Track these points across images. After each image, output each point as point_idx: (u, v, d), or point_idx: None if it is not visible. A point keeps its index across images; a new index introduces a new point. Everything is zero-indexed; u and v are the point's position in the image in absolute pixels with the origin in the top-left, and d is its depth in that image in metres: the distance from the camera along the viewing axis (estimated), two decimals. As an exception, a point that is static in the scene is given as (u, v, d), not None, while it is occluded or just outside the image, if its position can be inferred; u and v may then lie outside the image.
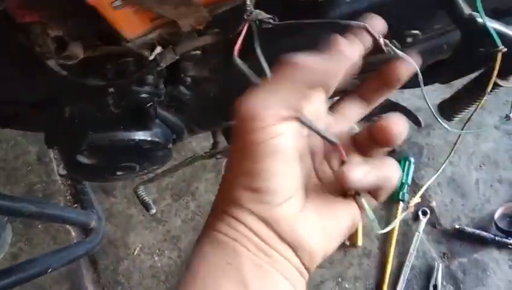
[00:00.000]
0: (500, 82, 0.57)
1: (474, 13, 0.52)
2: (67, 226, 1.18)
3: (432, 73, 0.67)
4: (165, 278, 1.19)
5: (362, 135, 0.37)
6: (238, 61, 0.39)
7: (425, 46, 0.64)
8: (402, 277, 1.17)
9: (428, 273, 1.18)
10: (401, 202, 1.23)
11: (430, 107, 0.49)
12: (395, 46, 0.36)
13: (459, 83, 0.66)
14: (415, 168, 1.27)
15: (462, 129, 0.61)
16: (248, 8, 0.41)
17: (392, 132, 0.34)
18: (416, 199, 1.22)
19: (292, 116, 0.32)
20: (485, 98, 0.63)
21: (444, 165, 0.70)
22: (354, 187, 0.34)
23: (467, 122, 0.61)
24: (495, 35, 0.46)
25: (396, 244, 1.20)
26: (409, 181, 1.26)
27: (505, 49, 0.46)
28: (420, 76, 0.39)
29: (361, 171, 0.32)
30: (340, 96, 0.42)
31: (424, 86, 0.46)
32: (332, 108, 0.40)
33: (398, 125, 0.34)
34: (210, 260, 0.32)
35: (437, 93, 1.16)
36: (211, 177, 1.29)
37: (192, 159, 0.77)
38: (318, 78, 0.33)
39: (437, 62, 0.67)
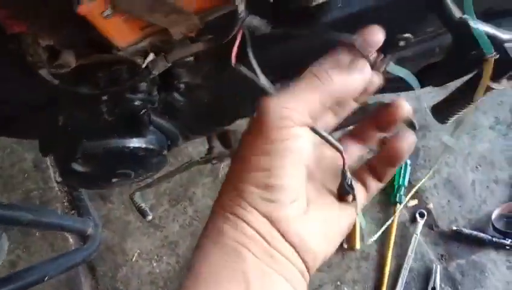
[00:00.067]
0: (492, 85, 0.57)
1: (465, 16, 0.52)
2: (65, 233, 1.18)
3: (425, 76, 0.67)
4: (164, 284, 1.19)
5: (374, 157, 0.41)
6: (242, 68, 0.40)
7: (417, 49, 0.65)
8: (400, 280, 1.17)
9: (426, 275, 1.18)
10: (397, 204, 1.23)
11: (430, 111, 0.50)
12: (388, 63, 0.38)
13: (454, 85, 0.66)
14: (411, 170, 1.27)
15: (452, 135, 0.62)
16: (241, 15, 0.42)
17: (404, 150, 0.39)
18: (410, 200, 1.22)
19: (310, 123, 0.34)
20: (478, 101, 0.63)
21: (431, 171, 0.70)
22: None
23: (456, 130, 0.62)
24: (485, 43, 0.47)
25: (394, 247, 1.20)
26: (406, 183, 1.26)
27: (497, 56, 0.47)
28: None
29: None
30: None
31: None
32: None
33: (408, 143, 0.39)
34: (212, 261, 0.33)
35: (432, 94, 1.16)
36: (207, 181, 1.29)
37: (188, 165, 0.77)
38: (341, 93, 0.36)
39: (430, 65, 0.67)
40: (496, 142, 1.31)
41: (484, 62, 0.48)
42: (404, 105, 0.39)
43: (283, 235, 0.33)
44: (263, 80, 0.47)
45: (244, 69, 0.37)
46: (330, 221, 0.37)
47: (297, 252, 0.34)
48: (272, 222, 0.33)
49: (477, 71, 0.60)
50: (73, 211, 1.23)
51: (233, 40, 0.45)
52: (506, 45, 0.54)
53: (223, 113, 0.66)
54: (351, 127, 0.47)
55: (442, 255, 1.20)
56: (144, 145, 0.63)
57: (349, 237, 1.21)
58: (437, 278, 1.16)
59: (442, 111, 0.66)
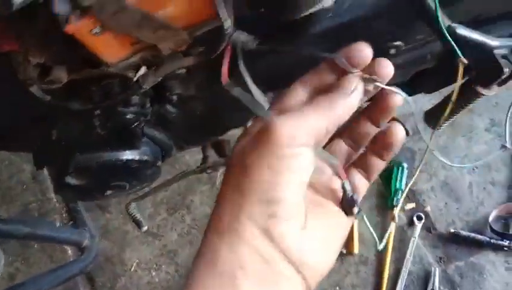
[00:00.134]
0: (482, 91, 0.57)
1: (454, 24, 0.53)
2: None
3: (417, 83, 0.68)
4: (163, 293, 1.19)
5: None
6: (235, 90, 0.40)
7: (408, 56, 0.65)
8: (399, 283, 1.17)
9: (425, 278, 1.18)
10: (395, 208, 1.23)
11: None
12: (374, 81, 0.38)
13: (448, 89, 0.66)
14: (408, 174, 1.27)
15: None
16: (227, 31, 0.42)
17: (394, 140, 0.39)
18: (407, 203, 1.22)
19: (314, 145, 0.35)
20: (469, 106, 0.64)
21: (418, 172, 0.70)
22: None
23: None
24: (454, 47, 0.47)
25: (393, 251, 1.20)
26: (403, 187, 1.26)
27: (466, 62, 0.48)
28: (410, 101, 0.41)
29: None
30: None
31: (409, 96, 0.47)
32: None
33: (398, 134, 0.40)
34: (207, 285, 0.32)
35: (428, 98, 1.17)
36: (205, 189, 1.29)
37: (183, 175, 0.78)
38: (344, 119, 0.37)
39: (421, 72, 0.67)
40: (492, 144, 1.31)
41: (455, 66, 0.49)
42: (396, 93, 0.39)
43: (282, 253, 0.33)
44: (256, 92, 0.48)
45: (235, 91, 0.37)
46: (329, 234, 0.37)
47: (297, 270, 0.34)
48: (270, 238, 0.33)
49: (468, 78, 0.60)
50: (71, 222, 1.23)
51: (223, 54, 0.46)
52: (496, 51, 0.55)
53: (217, 123, 0.66)
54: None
55: (440, 258, 1.20)
56: (137, 157, 0.63)
57: (348, 242, 1.21)
58: (436, 281, 1.16)
59: (434, 117, 0.66)
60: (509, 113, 0.59)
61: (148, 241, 1.24)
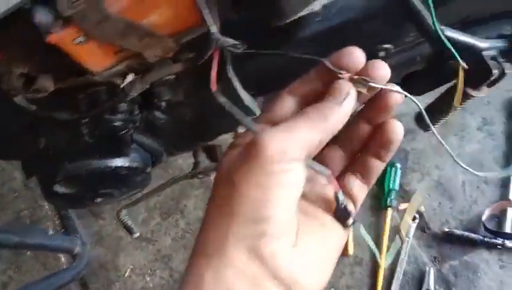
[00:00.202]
0: (472, 92, 0.57)
1: (442, 27, 0.52)
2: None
3: (407, 85, 0.67)
4: (157, 299, 1.18)
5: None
6: (222, 99, 0.38)
7: (398, 59, 0.65)
8: (395, 284, 1.17)
9: (420, 278, 1.18)
10: (389, 208, 1.23)
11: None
12: (367, 82, 0.35)
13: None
14: (401, 174, 1.27)
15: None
16: (214, 36, 0.41)
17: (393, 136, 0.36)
18: (401, 203, 1.22)
19: (306, 159, 0.33)
20: (459, 108, 0.64)
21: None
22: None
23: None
24: (454, 52, 0.47)
25: (387, 252, 1.20)
26: (397, 187, 1.26)
27: (466, 67, 0.47)
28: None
29: None
30: None
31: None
32: None
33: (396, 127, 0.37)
34: None
35: (422, 97, 1.17)
36: (199, 193, 1.29)
37: (174, 181, 0.77)
38: (337, 129, 0.34)
39: (411, 74, 0.67)
40: (484, 143, 1.32)
41: (455, 71, 0.48)
42: (394, 92, 0.36)
43: (273, 274, 0.31)
44: (245, 97, 0.47)
45: (222, 100, 0.37)
46: (322, 248, 0.35)
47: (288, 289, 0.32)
48: (260, 259, 0.31)
49: (457, 80, 0.60)
50: (64, 229, 1.22)
51: (211, 61, 0.45)
52: (484, 53, 0.55)
53: (206, 129, 0.66)
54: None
55: (435, 258, 1.20)
56: (126, 164, 0.63)
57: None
58: (431, 281, 1.16)
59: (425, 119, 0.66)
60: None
61: (142, 247, 1.23)
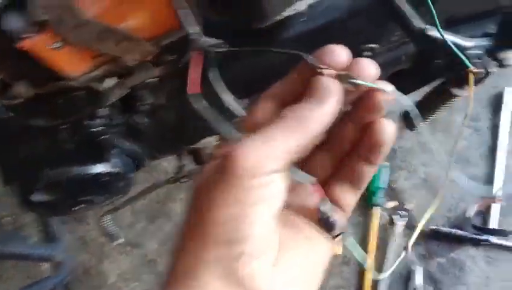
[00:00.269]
0: (457, 92, 0.57)
1: (427, 26, 0.52)
2: (39, 258, 1.14)
3: (393, 84, 0.67)
4: (144, 304, 1.16)
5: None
6: (198, 104, 0.36)
7: (384, 58, 0.64)
8: (382, 283, 1.17)
9: (408, 276, 1.18)
10: (377, 207, 1.23)
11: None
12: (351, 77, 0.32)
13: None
14: (389, 172, 1.27)
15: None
16: (192, 37, 0.40)
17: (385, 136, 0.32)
18: (389, 202, 1.22)
19: (285, 169, 0.30)
20: (445, 107, 0.63)
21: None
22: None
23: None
24: (465, 59, 0.46)
25: (375, 250, 1.20)
26: (384, 185, 1.26)
27: (476, 71, 0.46)
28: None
29: None
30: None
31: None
32: None
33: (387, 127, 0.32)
34: None
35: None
36: (185, 196, 1.27)
37: (156, 186, 0.75)
38: (319, 130, 0.31)
39: (397, 73, 0.67)
40: (470, 139, 1.32)
41: (465, 76, 0.47)
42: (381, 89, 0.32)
43: None
44: (229, 100, 0.46)
45: (199, 105, 0.35)
46: (307, 263, 0.32)
47: None
48: (237, 283, 0.28)
49: (443, 79, 0.60)
50: (46, 236, 1.20)
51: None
52: (469, 52, 0.54)
53: (189, 132, 0.64)
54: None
55: (422, 255, 1.20)
56: (108, 170, 0.61)
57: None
58: (418, 279, 1.17)
59: (411, 118, 0.65)
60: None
61: (127, 252, 1.21)
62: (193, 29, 0.39)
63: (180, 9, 0.37)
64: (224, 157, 0.29)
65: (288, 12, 0.53)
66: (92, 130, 0.56)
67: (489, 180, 1.27)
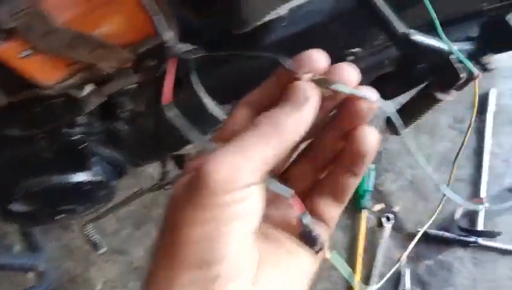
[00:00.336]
0: (440, 96, 0.57)
1: (409, 31, 0.52)
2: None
3: (376, 90, 0.66)
4: (131, 312, 1.15)
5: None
6: (170, 113, 0.35)
7: (367, 62, 0.64)
8: (371, 285, 1.17)
9: (396, 279, 1.18)
10: (364, 210, 1.23)
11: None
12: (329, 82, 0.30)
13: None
14: (375, 175, 1.27)
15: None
16: (167, 44, 0.39)
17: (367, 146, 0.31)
18: (376, 204, 1.22)
19: (262, 180, 0.28)
20: (429, 111, 0.63)
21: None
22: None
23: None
24: (470, 65, 0.45)
25: (364, 253, 1.20)
26: (371, 188, 1.26)
27: (481, 75, 0.45)
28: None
29: None
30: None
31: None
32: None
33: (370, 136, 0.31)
34: None
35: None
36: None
37: (140, 193, 0.74)
38: (296, 137, 0.29)
39: (380, 77, 0.66)
40: (456, 141, 1.33)
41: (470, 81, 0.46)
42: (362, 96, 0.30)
43: None
44: (210, 105, 0.45)
45: (172, 115, 0.34)
46: (288, 277, 0.30)
47: None
48: None
49: (426, 83, 0.59)
50: (28, 246, 1.17)
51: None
52: (452, 56, 0.54)
53: (171, 139, 0.63)
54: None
55: (411, 258, 1.20)
56: (88, 179, 0.60)
57: (318, 247, 1.19)
58: (407, 281, 1.17)
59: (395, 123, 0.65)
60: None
61: (114, 259, 1.19)
62: (167, 35, 0.38)
63: (153, 15, 0.36)
64: (196, 170, 0.27)
65: (270, 16, 0.52)
66: (71, 138, 0.55)
67: (474, 181, 1.27)
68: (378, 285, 1.11)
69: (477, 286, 1.18)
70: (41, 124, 0.51)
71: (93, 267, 1.18)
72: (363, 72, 0.66)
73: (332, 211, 0.33)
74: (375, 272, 1.17)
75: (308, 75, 0.30)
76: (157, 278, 0.28)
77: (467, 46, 0.57)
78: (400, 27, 0.51)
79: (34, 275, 1.14)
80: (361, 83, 0.47)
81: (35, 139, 0.54)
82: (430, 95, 0.59)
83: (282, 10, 0.55)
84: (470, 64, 0.49)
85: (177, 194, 0.28)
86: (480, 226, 1.21)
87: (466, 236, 1.19)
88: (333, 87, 0.29)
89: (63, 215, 0.63)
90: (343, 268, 0.31)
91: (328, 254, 0.31)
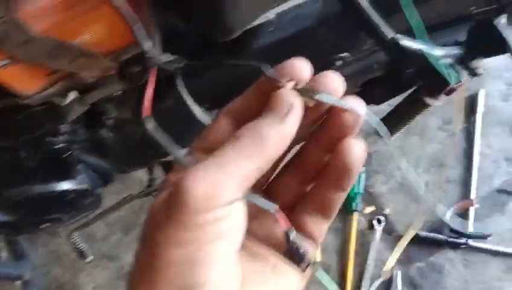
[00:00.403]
0: (429, 101, 0.56)
1: (397, 36, 0.51)
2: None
3: (365, 95, 0.66)
4: (121, 318, 1.13)
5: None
6: (149, 126, 0.33)
7: (355, 67, 0.63)
8: (363, 288, 1.16)
9: (388, 281, 1.18)
10: (355, 213, 1.23)
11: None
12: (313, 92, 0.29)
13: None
14: (366, 177, 1.27)
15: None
16: (148, 55, 0.38)
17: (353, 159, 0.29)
18: (367, 207, 1.22)
19: (244, 196, 0.27)
20: (418, 116, 0.63)
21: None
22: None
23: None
24: (448, 75, 0.44)
25: (355, 256, 1.19)
26: (361, 190, 1.25)
27: (464, 84, 0.45)
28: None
29: None
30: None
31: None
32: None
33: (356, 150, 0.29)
34: None
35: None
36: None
37: (128, 200, 0.73)
38: (280, 150, 0.27)
39: (369, 81, 0.66)
40: (445, 142, 1.33)
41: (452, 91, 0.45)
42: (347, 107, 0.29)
43: None
44: (197, 112, 0.44)
45: (151, 129, 0.32)
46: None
47: None
48: None
49: (415, 88, 0.59)
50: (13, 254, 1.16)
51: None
52: (441, 61, 0.54)
53: (156, 147, 0.62)
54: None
55: (402, 260, 1.20)
56: (73, 187, 0.59)
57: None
58: (398, 284, 1.17)
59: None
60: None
61: (103, 265, 1.18)
62: (147, 45, 0.37)
63: (133, 24, 0.35)
64: (175, 185, 0.25)
65: (257, 21, 0.52)
66: (55, 146, 0.54)
67: (465, 182, 1.27)
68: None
69: (468, 287, 1.18)
70: (23, 133, 0.50)
71: (82, 273, 1.17)
72: (352, 76, 0.66)
73: (319, 226, 0.32)
74: (367, 274, 1.17)
75: (291, 83, 0.29)
76: None
77: (454, 50, 0.56)
78: (388, 32, 0.51)
79: (20, 283, 1.12)
80: (350, 87, 0.46)
81: (18, 147, 0.53)
82: (419, 100, 0.58)
83: (270, 14, 0.54)
84: (454, 72, 0.49)
85: (156, 210, 0.26)
86: (470, 228, 1.21)
87: (456, 238, 1.20)
88: (317, 97, 0.28)
89: (48, 224, 0.62)
90: (330, 286, 0.30)
91: (315, 270, 0.30)
